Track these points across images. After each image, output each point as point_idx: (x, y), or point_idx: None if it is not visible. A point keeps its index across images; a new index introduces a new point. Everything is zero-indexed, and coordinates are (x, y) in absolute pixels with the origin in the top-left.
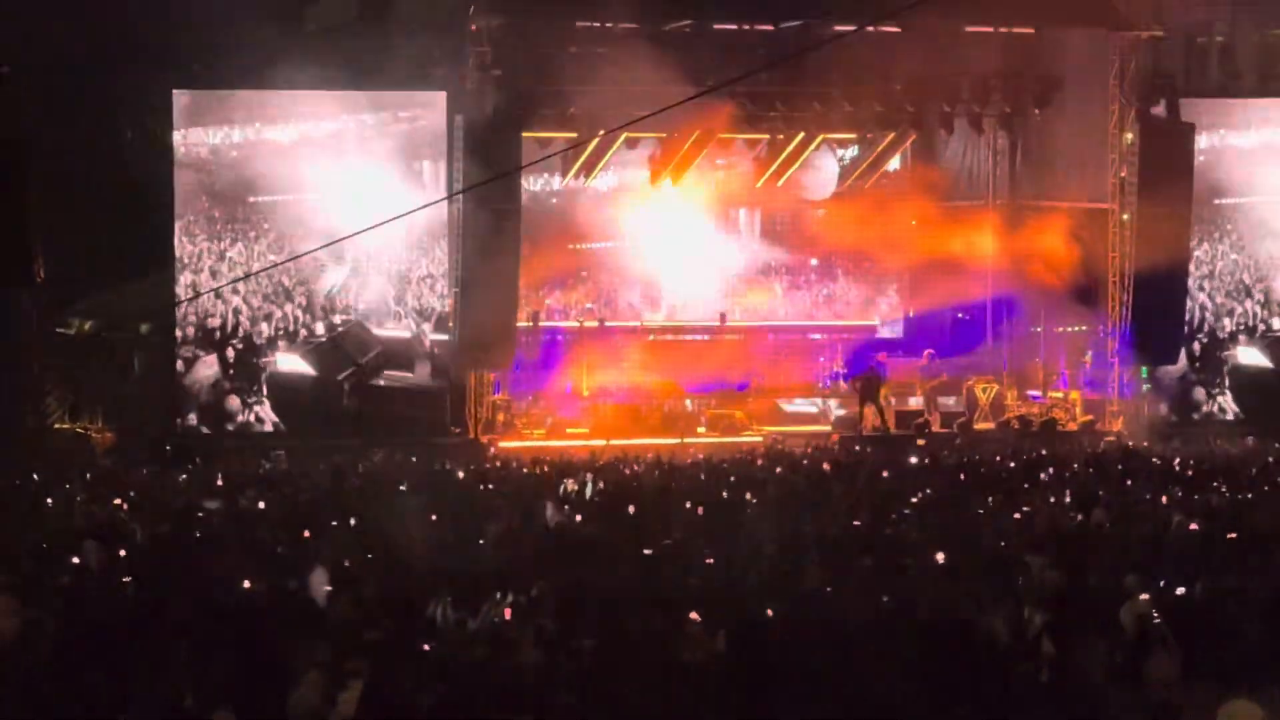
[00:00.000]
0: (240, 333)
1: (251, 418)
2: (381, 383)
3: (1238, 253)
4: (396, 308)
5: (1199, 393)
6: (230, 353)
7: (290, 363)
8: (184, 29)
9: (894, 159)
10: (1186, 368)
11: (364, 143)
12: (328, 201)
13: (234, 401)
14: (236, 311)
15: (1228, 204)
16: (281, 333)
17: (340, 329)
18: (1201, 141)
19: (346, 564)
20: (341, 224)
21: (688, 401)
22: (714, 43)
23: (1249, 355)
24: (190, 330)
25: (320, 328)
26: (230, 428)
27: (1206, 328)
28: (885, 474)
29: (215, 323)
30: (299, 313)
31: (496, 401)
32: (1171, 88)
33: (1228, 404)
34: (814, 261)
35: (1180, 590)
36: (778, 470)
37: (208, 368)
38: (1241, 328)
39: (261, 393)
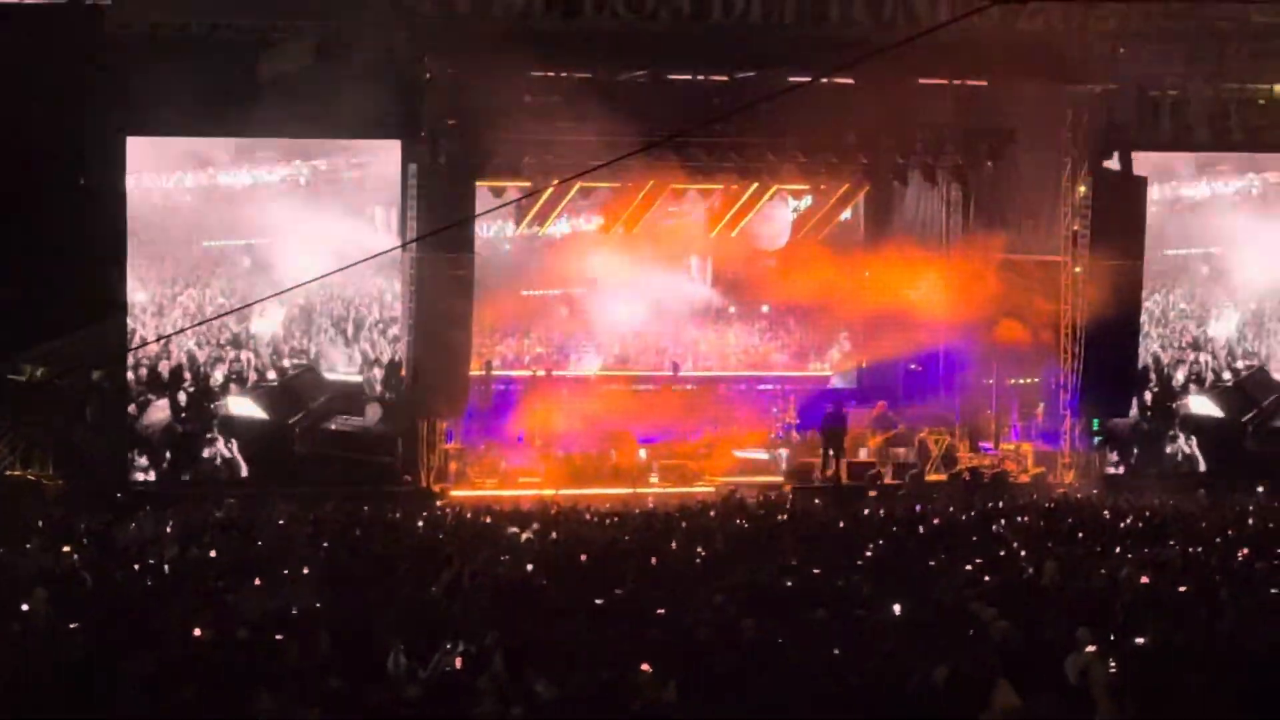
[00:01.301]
0: (192, 377)
1: (209, 454)
2: (333, 427)
3: (1188, 303)
4: (348, 352)
5: (1151, 444)
6: (182, 396)
7: (242, 406)
8: (138, 75)
9: (847, 210)
10: (1138, 418)
11: (317, 188)
12: (281, 247)
13: (188, 437)
14: (190, 355)
15: (1179, 255)
16: (234, 377)
17: (291, 373)
18: (1153, 193)
19: (295, 612)
20: (294, 269)
21: (640, 451)
22: (668, 93)
23: (1201, 405)
24: (143, 373)
25: (272, 373)
26: (185, 477)
27: (1158, 379)
28: (841, 525)
29: (167, 366)
30: (251, 357)
31: (449, 450)
32: (1124, 141)
33: (1180, 451)
34: (766, 308)
35: (1131, 641)
36: (730, 521)
37: (159, 411)
38: (1193, 378)
39: (214, 436)
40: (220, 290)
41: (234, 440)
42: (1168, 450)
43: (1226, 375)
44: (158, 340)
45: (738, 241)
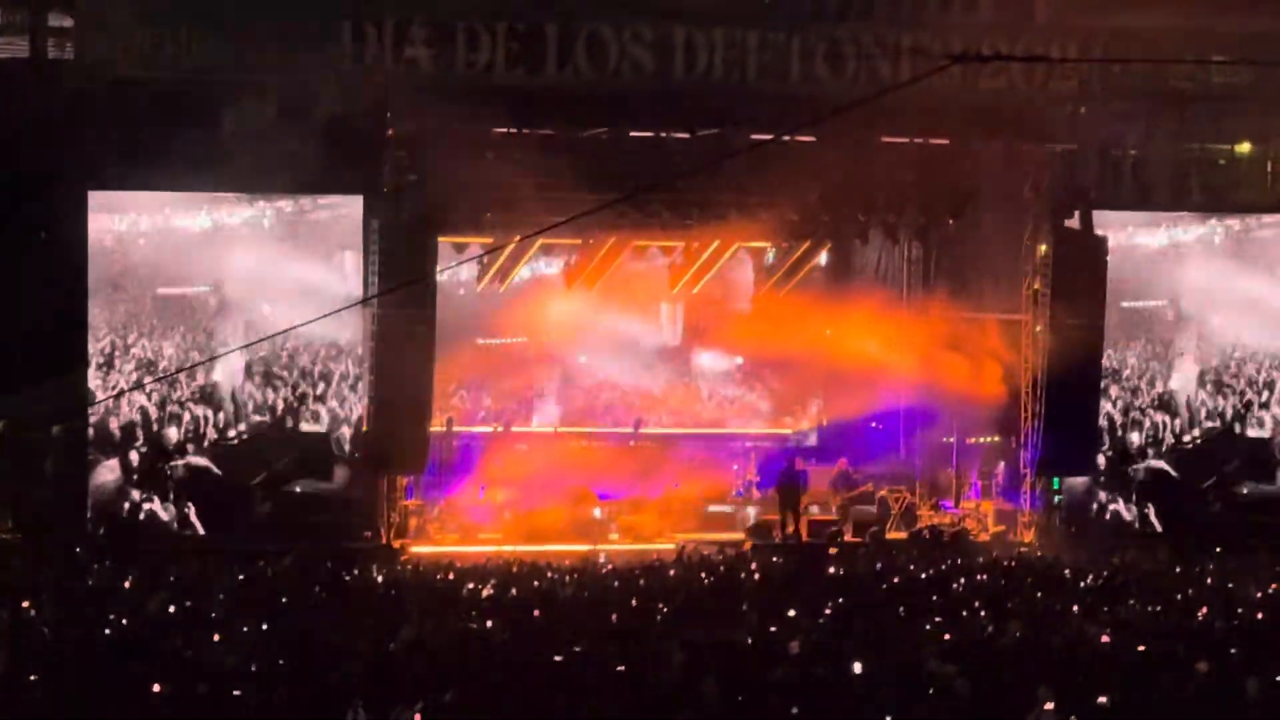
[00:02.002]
0: (145, 435)
1: (167, 517)
2: (297, 489)
3: (1144, 360)
4: (314, 409)
5: (1108, 507)
6: (134, 456)
7: (200, 466)
8: (100, 130)
9: (809, 267)
10: (1089, 482)
11: (282, 232)
12: (243, 294)
13: (139, 499)
14: (144, 412)
15: (1136, 308)
16: (190, 435)
17: (254, 430)
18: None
19: (254, 668)
20: (258, 319)
21: (598, 509)
22: (631, 150)
23: (1157, 469)
24: (90, 432)
25: (233, 430)
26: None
27: (1111, 442)
28: (801, 582)
29: (117, 424)
30: (209, 414)
31: (409, 506)
32: (1086, 201)
33: (1134, 513)
34: (726, 366)
35: (1092, 700)
36: (690, 578)
37: (109, 473)
38: (1150, 440)
39: (169, 497)
40: (178, 341)
41: (190, 505)
42: (1125, 518)
43: (1188, 438)
44: (121, 393)
45: (699, 298)
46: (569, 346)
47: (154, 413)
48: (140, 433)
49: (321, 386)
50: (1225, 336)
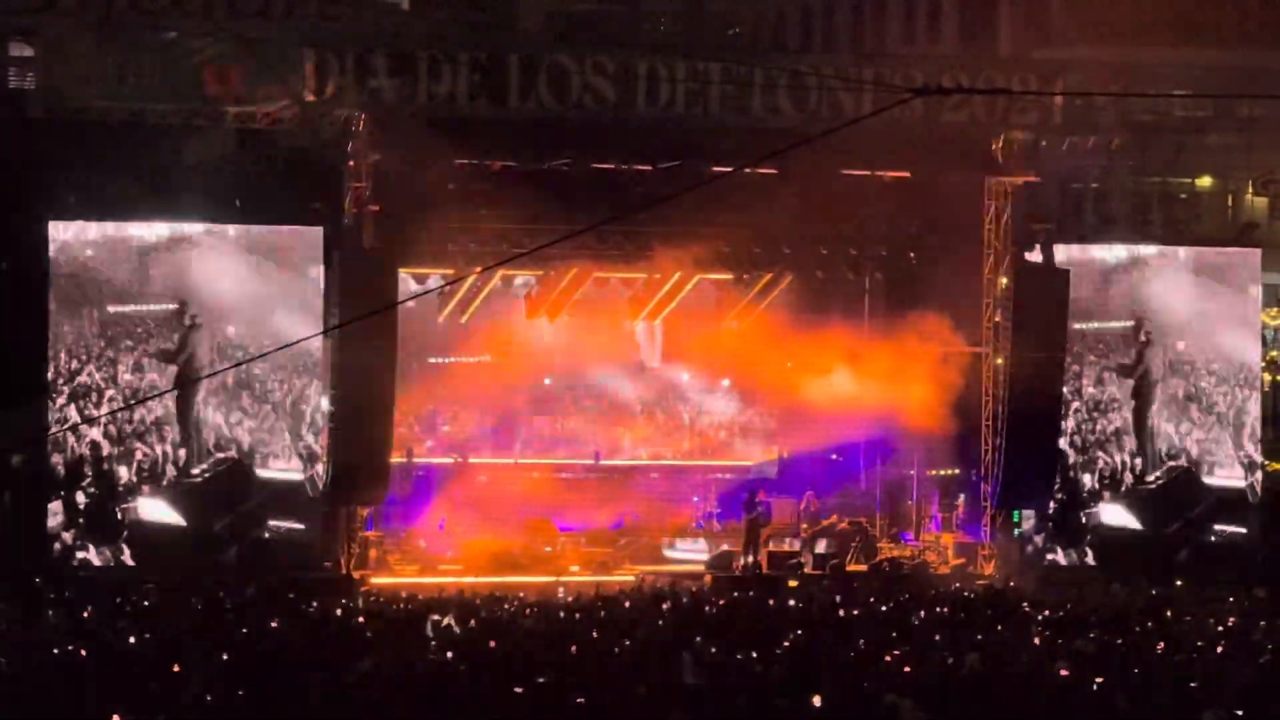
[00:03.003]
0: (94, 474)
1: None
2: (266, 536)
3: (1097, 386)
4: (286, 444)
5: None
6: (81, 497)
7: (156, 510)
8: (61, 161)
9: (769, 300)
10: (1036, 525)
11: (247, 243)
12: (206, 312)
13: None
14: (94, 446)
15: (1094, 329)
16: (147, 474)
17: (218, 469)
18: (1059, 253)
19: (210, 699)
20: (222, 339)
21: (561, 540)
22: (592, 182)
23: (1114, 515)
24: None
25: (197, 468)
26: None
27: (1063, 483)
28: (760, 614)
29: (63, 461)
30: (168, 450)
31: (369, 537)
32: (1047, 233)
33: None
34: (726, 383)
35: None
36: (650, 610)
37: (52, 516)
38: (1106, 480)
39: (119, 544)
40: (132, 365)
41: (140, 560)
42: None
43: (1151, 477)
44: (85, 423)
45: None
46: (536, 368)
47: (105, 448)
48: (89, 471)
49: (292, 423)
50: (1196, 355)
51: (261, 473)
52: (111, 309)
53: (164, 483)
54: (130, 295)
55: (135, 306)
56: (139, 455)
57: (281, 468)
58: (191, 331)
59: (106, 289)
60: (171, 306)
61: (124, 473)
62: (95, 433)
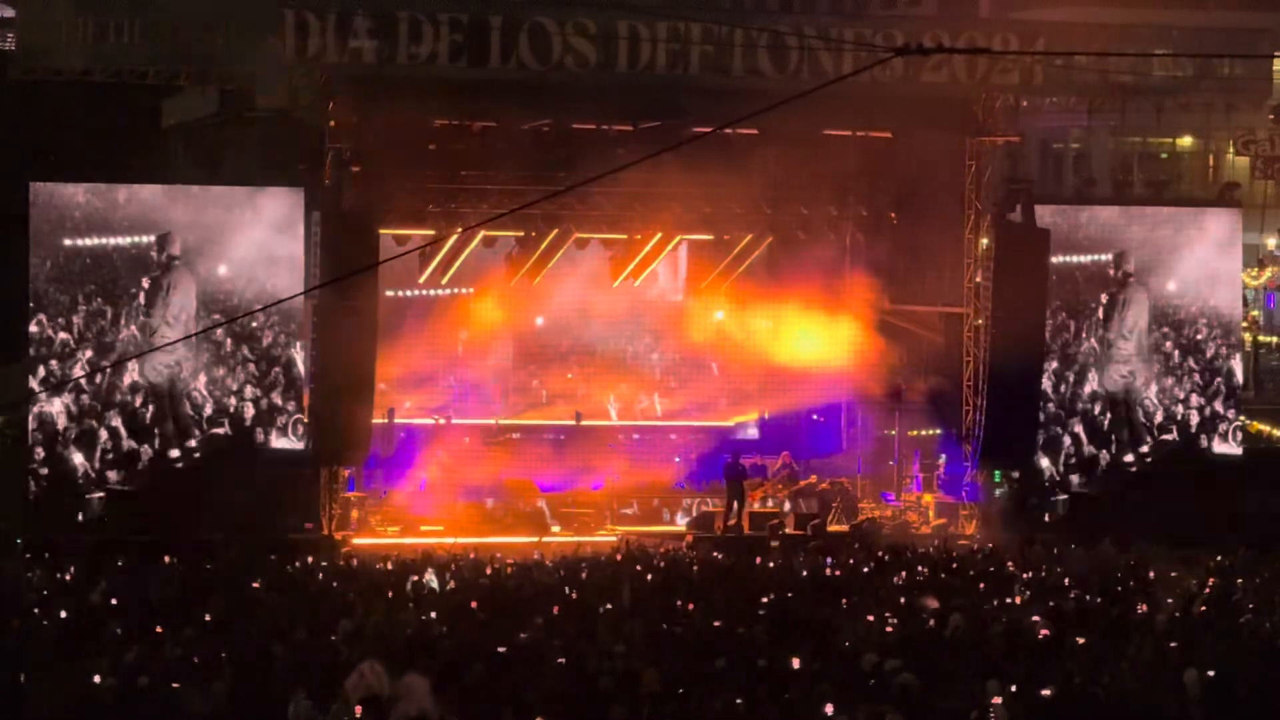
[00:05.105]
0: (48, 456)
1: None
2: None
3: (1075, 340)
4: (285, 415)
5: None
6: (52, 466)
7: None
8: (42, 122)
9: (750, 260)
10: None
11: (226, 200)
12: (187, 256)
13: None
14: (46, 421)
15: (1071, 261)
16: (110, 457)
17: (207, 447)
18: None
19: (195, 660)
20: (208, 285)
21: (542, 501)
22: (573, 142)
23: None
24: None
25: (176, 449)
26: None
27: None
28: (742, 575)
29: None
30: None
31: (350, 498)
32: (1028, 193)
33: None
34: (657, 358)
35: (1035, 691)
36: (631, 570)
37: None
38: (1072, 462)
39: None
40: (98, 311)
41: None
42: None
43: (1130, 457)
44: (71, 380)
45: (640, 290)
46: (509, 343)
47: (60, 422)
48: (41, 451)
49: (285, 385)
50: (1187, 302)
51: (263, 446)
52: (68, 241)
53: (139, 466)
54: (96, 227)
55: (100, 239)
56: (103, 440)
57: (282, 441)
58: (169, 273)
59: (70, 223)
60: (148, 240)
61: (79, 458)
62: (53, 403)
